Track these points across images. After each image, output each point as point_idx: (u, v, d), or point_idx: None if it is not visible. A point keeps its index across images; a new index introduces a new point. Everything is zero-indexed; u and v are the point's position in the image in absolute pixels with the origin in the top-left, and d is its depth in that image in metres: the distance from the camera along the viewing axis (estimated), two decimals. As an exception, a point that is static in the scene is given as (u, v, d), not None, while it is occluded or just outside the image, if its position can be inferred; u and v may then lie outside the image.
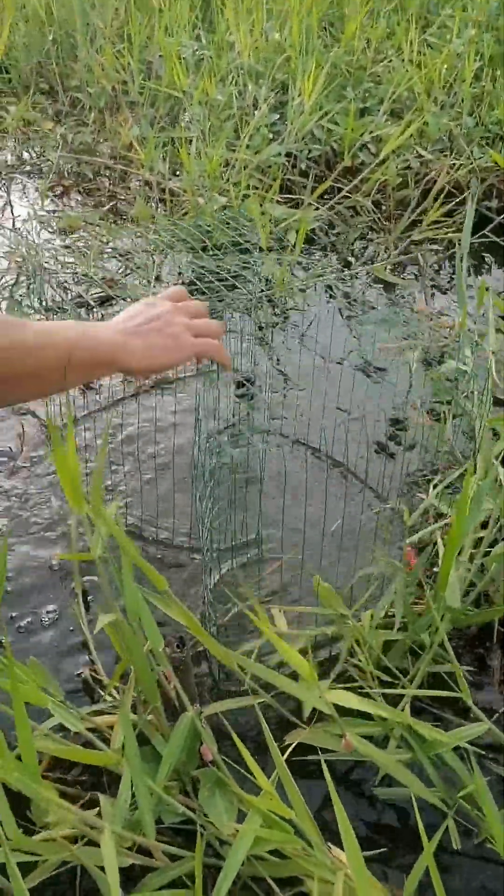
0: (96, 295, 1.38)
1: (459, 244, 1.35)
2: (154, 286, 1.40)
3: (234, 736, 0.52)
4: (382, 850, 0.62)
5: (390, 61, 2.01)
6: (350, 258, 1.57)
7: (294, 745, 0.65)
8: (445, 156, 1.76)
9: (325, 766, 0.50)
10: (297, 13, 1.98)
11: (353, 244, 1.60)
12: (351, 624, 0.69)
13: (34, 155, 1.90)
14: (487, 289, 1.20)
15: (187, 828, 0.59)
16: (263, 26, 1.99)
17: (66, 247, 1.53)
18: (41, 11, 2.12)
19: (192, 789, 0.61)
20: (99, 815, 0.56)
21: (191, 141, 1.71)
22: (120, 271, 1.45)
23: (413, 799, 0.57)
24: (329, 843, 0.56)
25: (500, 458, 0.89)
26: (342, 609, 0.70)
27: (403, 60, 1.98)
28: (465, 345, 1.06)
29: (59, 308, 1.33)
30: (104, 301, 1.38)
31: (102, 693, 0.70)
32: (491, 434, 0.91)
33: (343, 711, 0.64)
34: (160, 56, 1.96)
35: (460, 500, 0.64)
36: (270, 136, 1.71)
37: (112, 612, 0.59)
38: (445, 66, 1.92)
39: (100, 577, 0.62)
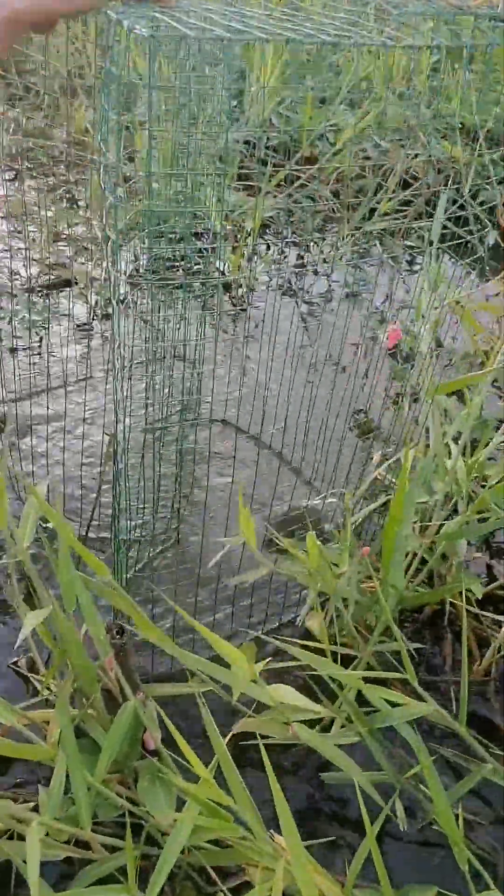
0: (48, 281, 1.34)
1: (413, 234, 1.35)
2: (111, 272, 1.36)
3: (169, 723, 0.50)
4: (330, 838, 0.61)
5: (349, 51, 2.01)
6: (308, 246, 1.56)
7: (250, 737, 0.63)
8: (403, 146, 1.76)
9: (263, 750, 0.48)
10: None
11: (310, 232, 1.59)
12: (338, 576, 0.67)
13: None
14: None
15: (129, 820, 0.57)
16: (221, 13, 1.97)
17: (18, 232, 1.49)
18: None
19: (133, 781, 0.59)
20: (36, 809, 0.54)
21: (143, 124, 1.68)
22: (72, 257, 1.42)
23: (356, 783, 0.56)
24: (274, 832, 0.55)
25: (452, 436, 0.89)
26: (332, 565, 0.67)
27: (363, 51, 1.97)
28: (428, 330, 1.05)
29: (8, 293, 1.30)
30: (56, 286, 1.35)
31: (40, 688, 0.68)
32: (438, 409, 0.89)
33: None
34: (117, 40, 1.92)
35: (400, 476, 0.63)
36: (228, 122, 1.69)
37: (44, 608, 0.56)
38: (404, 58, 1.92)
39: (29, 574, 0.59)
